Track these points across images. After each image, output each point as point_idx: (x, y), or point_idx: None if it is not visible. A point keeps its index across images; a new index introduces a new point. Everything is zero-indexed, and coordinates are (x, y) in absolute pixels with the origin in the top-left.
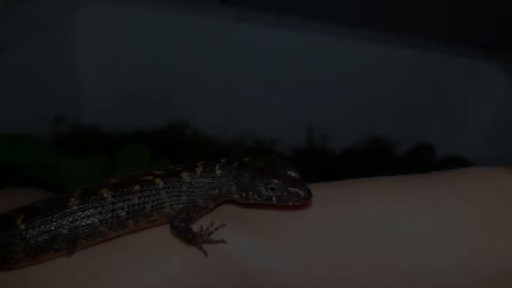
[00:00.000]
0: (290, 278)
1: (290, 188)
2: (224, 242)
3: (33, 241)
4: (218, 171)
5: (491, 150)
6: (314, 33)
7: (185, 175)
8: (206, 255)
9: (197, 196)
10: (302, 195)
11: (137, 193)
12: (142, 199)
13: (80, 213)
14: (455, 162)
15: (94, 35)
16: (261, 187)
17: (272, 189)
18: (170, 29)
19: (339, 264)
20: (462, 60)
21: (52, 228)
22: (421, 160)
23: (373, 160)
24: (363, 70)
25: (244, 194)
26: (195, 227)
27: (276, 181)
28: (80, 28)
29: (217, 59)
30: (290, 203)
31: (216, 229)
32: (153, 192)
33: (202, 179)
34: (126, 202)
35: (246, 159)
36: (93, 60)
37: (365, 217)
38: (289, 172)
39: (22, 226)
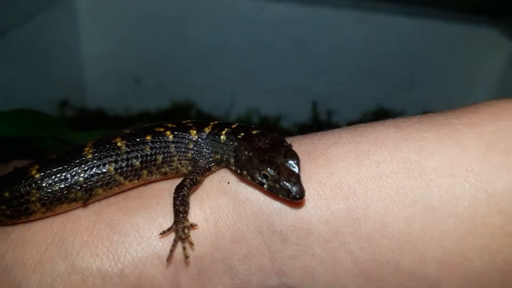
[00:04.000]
0: (308, 217)
1: (284, 182)
2: (191, 244)
3: (49, 190)
4: (222, 137)
5: None
6: (317, 6)
7: (193, 133)
8: (175, 243)
9: (201, 157)
10: (293, 194)
11: (149, 143)
12: (154, 150)
13: (95, 161)
14: None
15: (96, 18)
16: (255, 171)
17: (265, 176)
18: (172, 8)
19: (357, 199)
20: (465, 27)
21: (68, 176)
22: None
23: None
24: (367, 42)
25: (238, 170)
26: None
27: (270, 171)
28: (82, 11)
29: (220, 37)
30: (280, 196)
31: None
32: (163, 144)
33: (207, 140)
34: (139, 152)
35: (254, 132)
36: (96, 43)
37: (380, 154)
38: (289, 163)
39: (37, 176)
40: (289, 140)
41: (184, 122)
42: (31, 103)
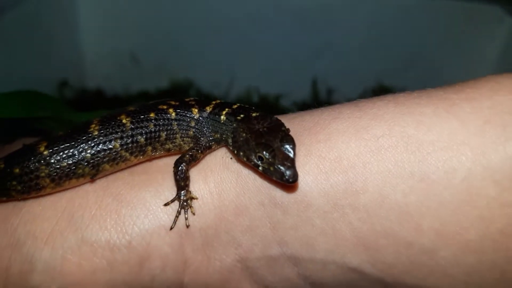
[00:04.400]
0: (309, 190)
1: (278, 165)
2: (192, 214)
3: (58, 166)
4: (223, 117)
5: None
6: None
7: (195, 111)
8: (178, 213)
9: (202, 135)
10: (287, 177)
11: (152, 120)
12: (158, 127)
13: (101, 138)
14: None
15: None
16: (252, 153)
17: (261, 158)
18: None
19: (356, 173)
20: (466, 4)
21: (75, 153)
22: None
23: None
24: (368, 19)
25: (236, 151)
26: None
27: (266, 154)
28: None
29: (218, 15)
30: (274, 178)
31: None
32: (166, 122)
33: (208, 119)
34: (144, 128)
35: (254, 114)
36: (95, 22)
37: (379, 129)
38: (285, 148)
39: (46, 152)
40: (290, 116)
41: (187, 99)
42: (31, 84)
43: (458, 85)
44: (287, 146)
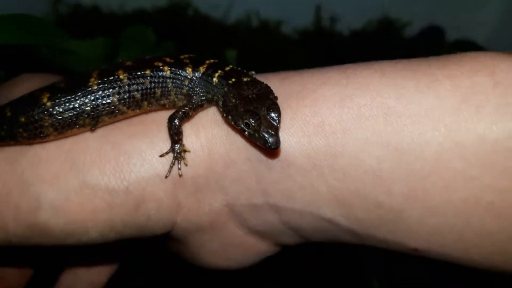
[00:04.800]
0: (292, 151)
1: (262, 132)
2: (185, 165)
3: (60, 117)
4: (215, 80)
5: (503, 34)
6: None
7: (189, 70)
8: (174, 161)
9: (194, 94)
10: (269, 144)
11: (148, 77)
12: (153, 84)
13: (100, 92)
14: (465, 46)
15: None
16: (239, 118)
17: (247, 125)
18: None
19: (336, 138)
20: None
21: (76, 105)
22: (430, 43)
23: (382, 42)
24: None
25: (225, 114)
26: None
27: (252, 121)
28: None
29: None
30: (257, 144)
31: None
32: (161, 79)
33: (201, 80)
34: (139, 85)
35: (245, 80)
36: None
37: (362, 98)
38: (270, 116)
39: (49, 104)
40: (281, 76)
41: (181, 57)
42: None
43: (445, 58)
44: (273, 115)
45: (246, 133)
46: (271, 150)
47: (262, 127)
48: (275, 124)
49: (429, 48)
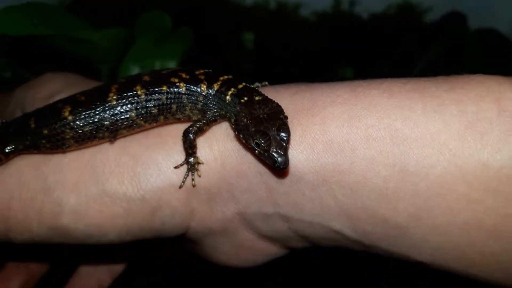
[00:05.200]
0: (301, 167)
1: (272, 152)
2: (198, 176)
3: (81, 131)
4: (228, 97)
5: None
6: None
7: (204, 87)
8: (188, 176)
9: (209, 109)
10: (278, 164)
11: (165, 93)
12: (169, 100)
13: (119, 108)
14: (487, 34)
15: None
16: (250, 137)
17: (257, 144)
18: None
19: (344, 156)
20: None
21: (96, 120)
22: (451, 30)
23: (402, 27)
24: None
25: (236, 132)
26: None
27: (262, 141)
28: None
29: None
30: (267, 162)
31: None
32: (177, 95)
33: (215, 97)
34: (156, 101)
35: (257, 98)
36: None
37: (370, 119)
38: (280, 136)
39: (70, 118)
40: (292, 91)
41: (197, 72)
42: None
43: (453, 80)
44: (283, 135)
45: (256, 151)
46: (279, 170)
47: (272, 147)
48: (284, 144)
49: (450, 35)
